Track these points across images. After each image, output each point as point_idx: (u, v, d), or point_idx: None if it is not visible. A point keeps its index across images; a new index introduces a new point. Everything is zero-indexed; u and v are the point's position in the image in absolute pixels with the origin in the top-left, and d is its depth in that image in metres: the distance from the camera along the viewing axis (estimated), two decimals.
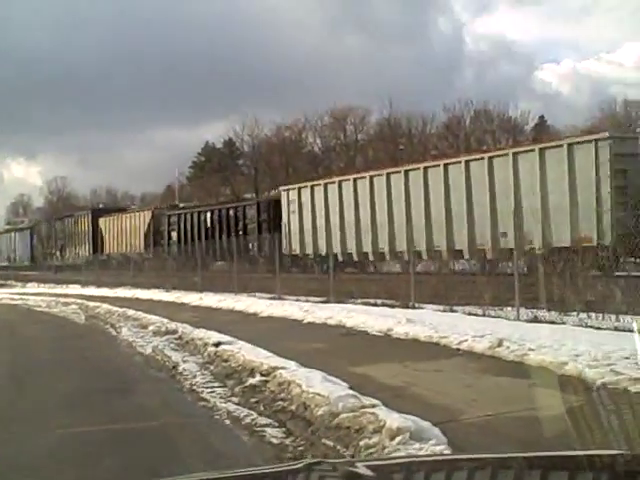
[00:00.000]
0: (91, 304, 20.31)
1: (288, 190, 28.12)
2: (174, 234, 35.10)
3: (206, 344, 10.38)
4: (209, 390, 7.93)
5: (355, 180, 24.36)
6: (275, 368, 7.90)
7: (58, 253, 47.05)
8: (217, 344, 10.08)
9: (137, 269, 31.28)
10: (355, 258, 23.84)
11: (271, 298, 17.45)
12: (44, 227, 50.50)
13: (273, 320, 13.69)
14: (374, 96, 71.74)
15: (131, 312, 16.42)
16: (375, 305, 14.23)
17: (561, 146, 18.10)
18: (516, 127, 51.32)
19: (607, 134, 17.86)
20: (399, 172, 22.74)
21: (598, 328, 9.46)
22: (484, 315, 11.69)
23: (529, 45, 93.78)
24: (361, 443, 5.34)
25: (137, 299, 21.15)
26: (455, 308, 12.60)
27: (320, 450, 5.40)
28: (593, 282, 11.78)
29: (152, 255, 34.31)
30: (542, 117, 55.57)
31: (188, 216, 34.92)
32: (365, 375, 7.68)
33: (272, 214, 28.78)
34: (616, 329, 9.22)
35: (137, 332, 13.53)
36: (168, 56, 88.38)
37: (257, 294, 18.69)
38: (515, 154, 19.12)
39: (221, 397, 7.55)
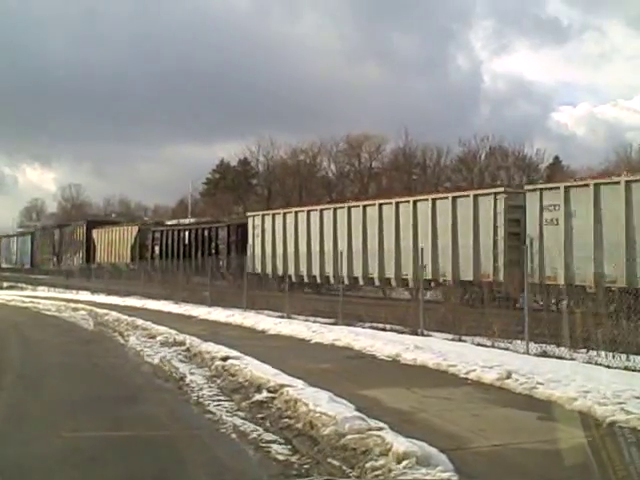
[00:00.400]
0: (100, 311, 20.38)
1: (253, 216, 31.48)
2: (157, 248, 38.45)
3: (214, 358, 10.40)
4: (216, 403, 7.94)
5: (321, 211, 26.14)
6: (282, 385, 7.91)
7: (55, 259, 48.82)
8: (225, 358, 10.11)
9: (127, 277, 32.75)
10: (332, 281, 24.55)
11: (279, 316, 17.48)
12: (43, 234, 52.21)
13: (281, 338, 13.70)
14: (390, 126, 72.48)
15: (140, 322, 16.47)
16: (384, 330, 14.22)
17: (468, 196, 21.05)
18: (531, 165, 51.45)
19: (503, 189, 21.16)
20: (373, 205, 24.45)
21: (608, 366, 9.42)
22: (493, 346, 11.66)
23: (547, 86, 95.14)
24: (367, 465, 5.34)
25: (146, 309, 21.21)
26: (464, 338, 12.58)
27: (326, 469, 5.41)
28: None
29: (137, 267, 36.56)
30: (557, 157, 55.93)
31: (169, 233, 38.37)
32: (372, 398, 7.68)
33: (240, 236, 32.19)
34: (626, 368, 9.19)
35: (145, 342, 13.56)
36: (189, 75, 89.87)
37: (266, 312, 18.71)
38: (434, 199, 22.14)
39: (227, 411, 7.56)
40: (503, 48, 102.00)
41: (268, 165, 62.44)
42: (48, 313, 22.75)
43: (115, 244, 42.34)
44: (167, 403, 8.24)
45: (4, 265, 53.24)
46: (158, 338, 13.61)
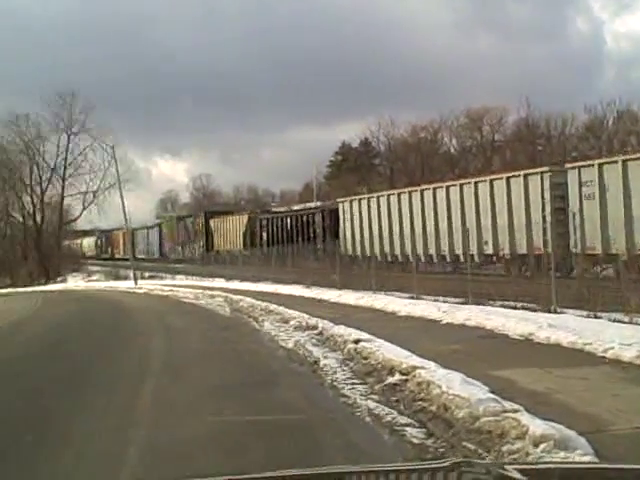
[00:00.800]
0: (235, 297, 21.10)
1: (343, 202, 33.73)
2: (265, 235, 41.81)
3: (346, 341, 10.58)
4: (349, 387, 8.12)
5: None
6: (414, 367, 7.96)
7: (180, 249, 52.70)
8: (357, 341, 10.26)
9: (243, 263, 34.61)
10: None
11: (409, 297, 17.46)
12: (168, 225, 56.28)
13: (411, 319, 13.73)
14: (511, 96, 70.33)
15: (273, 306, 16.94)
16: (515, 308, 13.93)
17: (519, 176, 22.66)
18: None
19: (548, 167, 22.68)
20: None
21: None
22: (631, 322, 11.19)
23: None
24: (504, 448, 5.34)
25: (278, 294, 21.73)
26: (599, 314, 12.14)
27: (462, 452, 5.44)
28: None
29: (249, 253, 40.51)
30: None
31: (274, 220, 41.92)
32: (506, 379, 7.61)
33: (332, 221, 34.89)
34: None
35: (279, 326, 13.98)
36: (308, 59, 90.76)
37: (395, 293, 18.76)
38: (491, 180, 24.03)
39: (361, 394, 7.71)
40: (624, 7, 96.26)
41: (389, 144, 62.26)
42: (186, 301, 23.82)
43: (230, 232, 45.90)
44: (302, 387, 8.50)
45: (139, 256, 57.01)
46: (291, 322, 13.99)
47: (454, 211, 25.47)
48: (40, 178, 56.89)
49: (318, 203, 44.23)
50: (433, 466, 2.52)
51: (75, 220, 61.65)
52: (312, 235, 36.87)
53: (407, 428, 6.29)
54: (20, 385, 9.15)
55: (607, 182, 19.08)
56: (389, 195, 30.45)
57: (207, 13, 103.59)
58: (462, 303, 15.41)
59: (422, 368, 7.88)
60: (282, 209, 48.79)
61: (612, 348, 8.68)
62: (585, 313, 12.35)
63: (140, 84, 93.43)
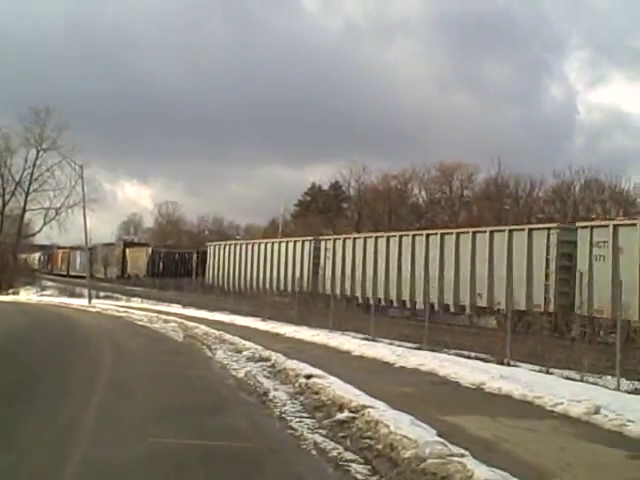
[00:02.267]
0: (190, 324, 20.91)
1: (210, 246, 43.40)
2: (161, 265, 52.28)
3: (298, 375, 10.51)
4: (298, 420, 8.03)
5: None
6: (364, 406, 7.92)
7: (103, 269, 60.95)
8: (308, 376, 10.19)
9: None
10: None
11: (364, 338, 17.47)
12: (97, 251, 63.06)
13: (365, 360, 13.70)
14: (482, 154, 71.68)
15: (227, 336, 16.80)
16: (469, 357, 14.02)
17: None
18: (628, 199, 49.57)
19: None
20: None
21: None
22: (582, 380, 11.31)
23: None
24: None
25: (234, 324, 21.60)
26: (552, 370, 12.25)
27: None
28: None
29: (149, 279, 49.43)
30: None
31: (167, 255, 53.02)
32: (454, 424, 7.60)
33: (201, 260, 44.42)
34: None
35: (232, 355, 13.84)
36: (284, 99, 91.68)
37: (351, 333, 18.75)
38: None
39: (309, 428, 7.63)
40: (599, 79, 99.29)
41: (359, 189, 62.70)
42: (140, 323, 23.47)
43: (138, 260, 55.81)
44: (250, 416, 8.39)
45: (72, 273, 64.20)
46: (244, 353, 13.87)
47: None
48: (3, 190, 56.29)
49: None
50: None
51: (34, 235, 60.93)
52: (189, 269, 46.84)
53: (352, 464, 6.22)
54: None
55: (621, 244, 18.69)
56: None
57: (185, 44, 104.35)
58: (417, 348, 15.46)
59: (372, 407, 7.84)
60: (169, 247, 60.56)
61: (561, 403, 8.74)
62: (537, 368, 12.45)
63: (113, 106, 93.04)
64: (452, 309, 23.96)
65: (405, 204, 58.73)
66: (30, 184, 56.07)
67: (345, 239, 31.57)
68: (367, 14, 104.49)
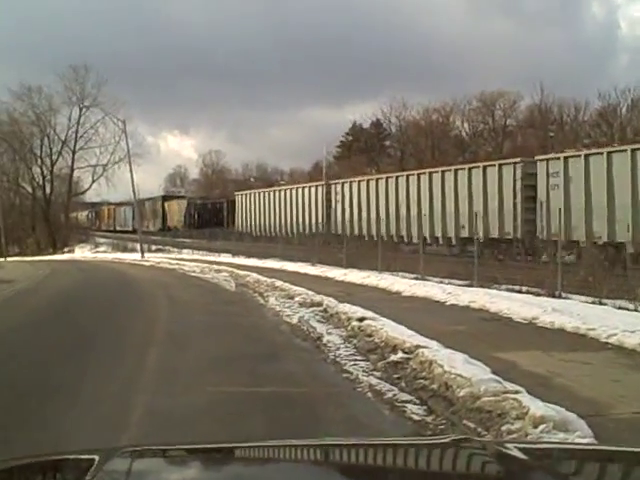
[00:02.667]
0: (241, 272, 21.21)
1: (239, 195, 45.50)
2: (196, 217, 53.11)
3: (350, 318, 10.60)
4: (352, 363, 8.14)
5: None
6: (417, 347, 7.98)
7: (146, 223, 59.92)
8: (361, 319, 10.28)
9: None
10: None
11: (414, 278, 17.49)
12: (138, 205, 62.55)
13: (415, 300, 13.74)
14: (525, 81, 69.83)
15: (279, 283, 17.00)
16: (520, 292, 13.95)
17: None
18: None
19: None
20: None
21: None
22: (636, 310, 11.18)
23: None
24: (503, 428, 5.36)
25: (284, 271, 21.83)
26: (604, 301, 12.13)
27: (461, 430, 5.46)
28: None
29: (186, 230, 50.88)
30: None
31: (203, 205, 54.49)
32: (508, 361, 7.63)
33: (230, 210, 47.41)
34: None
35: (284, 302, 14.01)
36: (319, 38, 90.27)
37: (400, 273, 18.80)
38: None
39: (364, 371, 7.74)
40: None
41: (401, 126, 61.94)
42: (192, 274, 23.91)
43: (176, 213, 56.68)
44: (305, 361, 8.54)
45: (118, 228, 65.27)
46: (296, 299, 14.02)
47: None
48: (50, 150, 57.08)
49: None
50: (432, 442, 2.51)
51: (84, 192, 61.89)
52: (221, 218, 48.87)
53: (408, 405, 6.31)
54: (23, 357, 9.23)
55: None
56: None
57: None
58: (467, 285, 15.44)
59: (425, 347, 7.89)
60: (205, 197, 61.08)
61: (615, 334, 8.69)
62: (590, 299, 12.34)
63: (150, 59, 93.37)
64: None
65: (448, 138, 57.88)
66: (76, 142, 56.87)
67: (368, 180, 32.31)
68: None
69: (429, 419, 5.93)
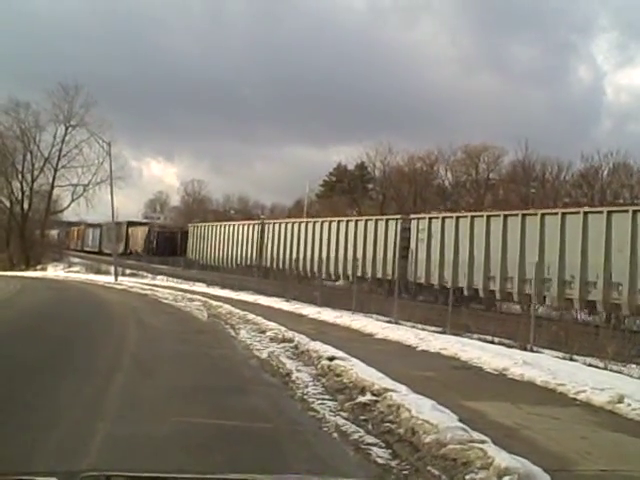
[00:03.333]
0: (214, 303, 21.06)
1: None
2: (154, 243, 55.54)
3: (320, 357, 10.54)
4: (320, 402, 8.07)
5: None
6: (386, 390, 7.94)
7: (110, 245, 62.30)
8: (331, 358, 10.22)
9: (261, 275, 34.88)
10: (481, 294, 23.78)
11: (387, 321, 17.48)
12: (106, 228, 66.34)
13: (387, 343, 13.70)
14: (508, 136, 71.03)
15: (251, 316, 16.89)
16: (492, 342, 13.97)
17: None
18: None
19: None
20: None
21: None
22: (605, 369, 11.22)
23: None
24: (467, 477, 5.32)
25: (258, 304, 21.73)
26: (575, 357, 12.18)
27: (425, 477, 5.42)
28: None
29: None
30: None
31: (160, 233, 56.53)
32: (476, 410, 7.60)
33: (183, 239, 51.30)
34: None
35: (255, 336, 13.91)
36: (308, 79, 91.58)
37: (374, 315, 18.78)
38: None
39: (331, 410, 7.67)
40: (627, 61, 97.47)
41: (385, 171, 62.37)
42: (165, 301, 23.67)
43: (138, 238, 59.94)
44: (272, 397, 8.44)
45: (86, 248, 68.43)
46: (268, 333, 13.93)
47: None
48: (32, 166, 56.56)
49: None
50: None
51: (62, 211, 61.42)
52: (175, 246, 51.37)
53: (373, 448, 6.25)
54: None
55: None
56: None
57: (211, 22, 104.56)
58: (440, 332, 15.45)
59: (394, 391, 7.86)
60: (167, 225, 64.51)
61: (584, 391, 8.70)
62: (561, 355, 12.39)
63: (139, 84, 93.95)
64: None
65: (430, 186, 58.37)
66: (59, 160, 56.46)
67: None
68: None
69: (393, 463, 5.87)
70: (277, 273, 33.87)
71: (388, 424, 6.95)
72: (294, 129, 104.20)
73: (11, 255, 53.53)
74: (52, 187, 57.34)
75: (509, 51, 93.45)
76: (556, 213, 21.44)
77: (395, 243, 26.80)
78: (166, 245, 53.79)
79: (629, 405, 7.97)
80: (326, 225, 32.44)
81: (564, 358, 12.15)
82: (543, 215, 21.53)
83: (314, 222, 34.40)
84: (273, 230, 37.14)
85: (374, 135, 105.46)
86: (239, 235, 40.99)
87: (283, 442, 6.46)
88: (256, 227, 39.50)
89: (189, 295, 24.79)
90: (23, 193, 56.64)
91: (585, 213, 20.35)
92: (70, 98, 54.53)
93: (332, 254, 30.54)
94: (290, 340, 12.71)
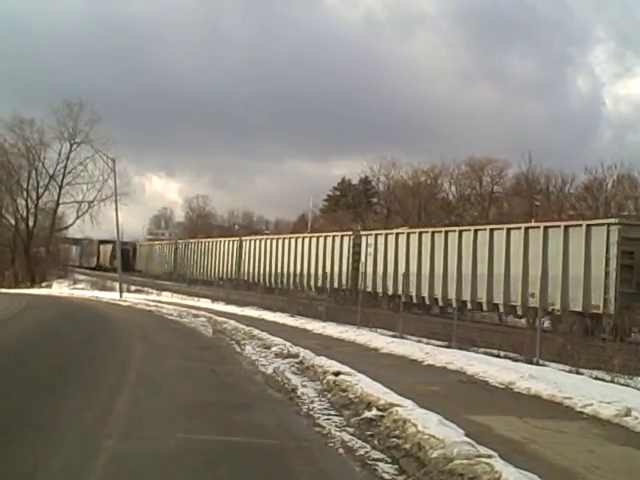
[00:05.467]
0: (219, 319, 21.05)
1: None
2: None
3: (326, 372, 10.53)
4: (325, 417, 8.05)
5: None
6: (392, 405, 7.93)
7: (88, 260, 75.57)
8: (337, 373, 10.21)
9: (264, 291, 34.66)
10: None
11: (392, 336, 17.44)
12: (83, 245, 76.77)
13: (393, 357, 13.68)
14: (509, 149, 71.38)
15: (256, 332, 16.87)
16: (497, 356, 13.94)
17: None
18: None
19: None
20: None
21: None
22: (612, 381, 11.18)
23: None
24: None
25: (263, 320, 21.72)
26: (581, 370, 12.14)
27: None
28: None
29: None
30: None
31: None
32: (482, 424, 7.57)
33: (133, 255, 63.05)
34: None
35: (260, 351, 13.89)
36: (309, 94, 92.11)
37: (379, 330, 18.75)
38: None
39: (337, 426, 7.64)
40: (625, 72, 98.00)
41: (389, 185, 62.50)
42: (170, 318, 23.66)
43: (106, 254, 68.19)
44: (278, 413, 8.41)
45: (72, 263, 72.83)
46: (273, 349, 13.91)
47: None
48: (37, 183, 56.71)
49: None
50: None
51: (67, 228, 61.50)
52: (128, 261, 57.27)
53: (379, 463, 6.22)
54: None
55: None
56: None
57: (210, 38, 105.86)
58: (445, 346, 15.40)
59: (400, 406, 7.84)
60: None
61: (591, 404, 8.67)
62: (567, 368, 12.34)
63: (139, 99, 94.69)
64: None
65: (435, 200, 58.39)
66: (64, 177, 56.54)
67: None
68: (387, 7, 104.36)
69: (400, 479, 5.84)
70: (251, 286, 37.81)
71: (394, 439, 6.93)
72: (294, 143, 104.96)
73: (16, 272, 53.55)
74: (57, 204, 57.44)
75: (506, 64, 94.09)
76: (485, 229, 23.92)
77: (349, 257, 30.74)
78: (124, 260, 56.94)
79: (636, 418, 7.94)
80: (287, 242, 36.79)
81: (570, 371, 12.11)
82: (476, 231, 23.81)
83: (283, 239, 38.17)
84: (249, 247, 41.48)
85: (374, 148, 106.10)
86: (220, 250, 45.63)
87: (289, 458, 6.44)
88: (235, 243, 43.85)
89: (194, 311, 24.78)
90: (28, 210, 56.78)
91: (545, 227, 21.31)
92: (75, 115, 54.72)
93: (298, 268, 34.63)
94: (295, 355, 12.70)
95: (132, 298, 34.81)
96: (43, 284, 50.88)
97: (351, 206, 62.41)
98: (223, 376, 11.14)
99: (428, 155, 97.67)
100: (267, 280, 37.30)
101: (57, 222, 59.32)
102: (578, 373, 11.94)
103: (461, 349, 14.84)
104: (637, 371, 11.50)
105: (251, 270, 40.20)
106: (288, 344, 14.06)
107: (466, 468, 5.67)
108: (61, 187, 56.80)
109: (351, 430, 7.43)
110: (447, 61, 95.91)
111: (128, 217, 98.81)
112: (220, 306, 28.92)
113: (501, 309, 22.77)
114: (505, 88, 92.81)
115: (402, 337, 17.19)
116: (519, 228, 22.63)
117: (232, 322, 19.66)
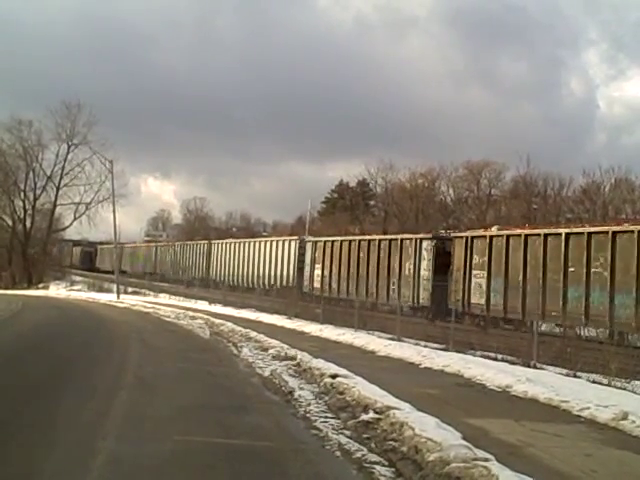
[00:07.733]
0: (216, 321, 21.02)
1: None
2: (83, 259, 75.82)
3: (323, 374, 10.51)
4: (322, 420, 8.03)
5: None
6: (389, 407, 7.91)
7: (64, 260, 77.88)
8: (334, 376, 10.19)
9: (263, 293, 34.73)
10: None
11: (390, 338, 17.43)
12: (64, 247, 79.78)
13: (390, 360, 13.68)
14: (505, 151, 71.54)
15: (253, 334, 16.86)
16: (495, 360, 13.92)
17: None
18: None
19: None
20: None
21: None
22: (609, 385, 11.17)
23: None
24: None
25: (260, 322, 21.70)
26: (578, 374, 12.13)
27: None
28: None
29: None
30: None
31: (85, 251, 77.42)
32: (479, 428, 7.57)
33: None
34: None
35: (257, 354, 13.88)
36: (304, 95, 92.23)
37: (376, 333, 18.74)
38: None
39: (333, 428, 7.62)
40: (618, 74, 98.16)
41: (386, 187, 62.50)
42: (167, 319, 23.65)
43: (77, 255, 77.67)
44: (275, 416, 8.40)
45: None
46: (270, 351, 13.90)
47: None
48: (35, 185, 56.70)
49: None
50: None
51: (64, 229, 61.48)
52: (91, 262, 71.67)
53: (376, 466, 6.21)
54: None
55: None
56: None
57: (203, 39, 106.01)
58: (443, 349, 15.40)
59: (397, 409, 7.82)
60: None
61: (588, 408, 8.67)
62: (564, 371, 12.33)
63: (134, 100, 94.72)
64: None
65: (432, 202, 58.38)
66: (61, 179, 56.51)
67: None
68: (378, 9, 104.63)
69: None
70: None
71: (391, 442, 6.91)
72: (289, 145, 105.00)
73: (13, 273, 53.53)
74: (54, 205, 57.39)
75: (499, 66, 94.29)
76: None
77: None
78: (85, 260, 73.54)
79: (633, 422, 7.93)
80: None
81: (567, 375, 12.10)
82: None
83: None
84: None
85: (369, 151, 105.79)
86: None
87: (286, 461, 6.42)
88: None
89: (191, 313, 24.76)
90: (25, 211, 56.75)
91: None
92: (72, 116, 54.67)
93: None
94: (292, 358, 12.68)
95: (129, 300, 34.78)
96: (40, 285, 50.83)
97: (349, 209, 62.37)
98: (220, 378, 11.12)
99: (425, 158, 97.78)
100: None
101: (54, 223, 59.28)
102: (575, 376, 11.93)
103: (459, 352, 14.83)
104: (634, 375, 11.49)
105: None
106: (285, 346, 14.05)
107: (463, 471, 5.66)
108: (58, 188, 56.78)
109: (348, 433, 7.41)
110: (441, 63, 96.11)
111: (125, 219, 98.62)
112: (217, 308, 28.91)
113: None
114: (498, 90, 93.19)
115: (400, 340, 17.18)
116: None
117: (229, 324, 19.65)
